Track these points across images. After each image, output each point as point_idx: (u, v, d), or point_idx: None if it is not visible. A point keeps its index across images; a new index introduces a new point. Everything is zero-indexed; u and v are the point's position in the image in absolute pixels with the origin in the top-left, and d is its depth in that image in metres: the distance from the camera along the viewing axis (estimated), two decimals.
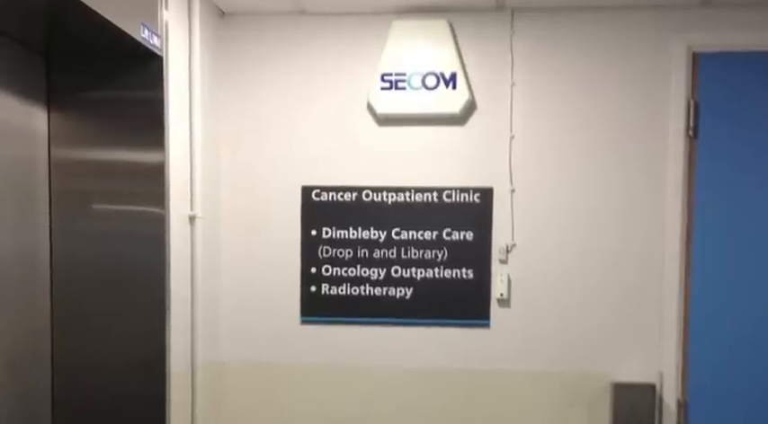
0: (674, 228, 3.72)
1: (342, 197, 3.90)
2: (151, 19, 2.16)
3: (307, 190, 3.93)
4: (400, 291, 3.88)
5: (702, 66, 3.71)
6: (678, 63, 3.70)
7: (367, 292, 3.89)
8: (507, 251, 3.83)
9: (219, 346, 3.96)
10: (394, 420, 3.91)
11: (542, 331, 3.83)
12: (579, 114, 3.78)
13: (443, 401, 3.88)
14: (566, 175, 3.80)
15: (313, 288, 3.93)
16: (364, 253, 3.89)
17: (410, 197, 3.86)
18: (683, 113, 3.70)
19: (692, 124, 3.69)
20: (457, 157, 3.85)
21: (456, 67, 3.77)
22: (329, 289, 3.91)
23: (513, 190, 3.81)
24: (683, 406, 3.75)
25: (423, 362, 3.89)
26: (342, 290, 3.90)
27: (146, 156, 2.24)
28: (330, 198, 3.91)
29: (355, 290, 3.90)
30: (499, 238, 3.83)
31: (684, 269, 3.73)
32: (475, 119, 3.84)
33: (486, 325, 3.85)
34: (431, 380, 3.89)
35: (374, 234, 3.89)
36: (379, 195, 3.88)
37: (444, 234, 3.86)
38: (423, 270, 3.87)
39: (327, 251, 3.91)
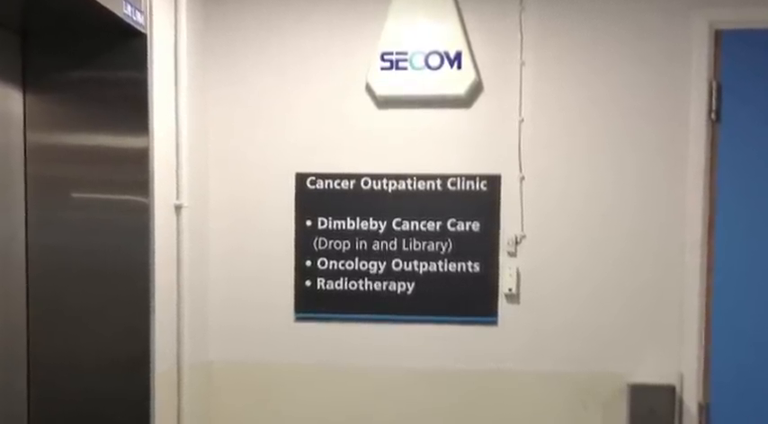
0: (695, 217, 3.73)
1: (339, 185, 3.92)
2: None
3: (301, 178, 3.94)
4: (401, 286, 3.90)
5: (725, 44, 3.72)
6: (699, 41, 3.71)
7: (365, 287, 3.91)
8: (516, 243, 3.85)
9: (207, 344, 3.99)
10: (394, 423, 3.94)
11: (554, 329, 3.85)
12: (593, 96, 3.80)
13: (447, 404, 3.91)
14: (579, 161, 3.82)
15: (308, 283, 3.96)
16: (363, 245, 3.91)
17: (412, 185, 3.88)
18: (704, 95, 3.71)
19: (714, 107, 3.70)
20: (462, 142, 3.87)
21: (461, 46, 3.78)
22: (325, 284, 3.94)
23: (522, 178, 3.83)
24: (704, 409, 3.77)
25: (425, 362, 3.91)
26: (338, 285, 3.93)
27: (128, 141, 2.26)
28: (326, 186, 3.93)
29: (353, 285, 3.92)
30: (507, 229, 3.85)
31: (706, 261, 3.74)
32: (481, 101, 3.85)
33: (494, 322, 3.88)
34: (434, 381, 3.91)
35: (373, 225, 3.91)
36: (379, 183, 3.90)
37: (449, 225, 3.88)
38: (425, 264, 3.89)
39: (323, 243, 3.94)
